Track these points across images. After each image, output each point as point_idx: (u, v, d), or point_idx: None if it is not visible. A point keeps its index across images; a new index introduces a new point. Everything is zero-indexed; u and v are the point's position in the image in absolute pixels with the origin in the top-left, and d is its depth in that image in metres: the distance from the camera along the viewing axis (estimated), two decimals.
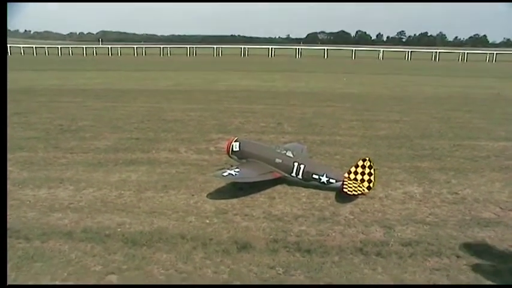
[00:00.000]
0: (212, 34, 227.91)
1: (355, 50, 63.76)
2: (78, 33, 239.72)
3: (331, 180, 6.82)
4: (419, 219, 5.94)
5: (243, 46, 70.12)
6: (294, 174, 7.05)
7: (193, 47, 70.16)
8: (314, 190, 6.93)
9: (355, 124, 12.67)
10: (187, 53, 66.83)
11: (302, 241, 5.22)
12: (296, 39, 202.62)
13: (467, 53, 60.95)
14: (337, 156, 9.14)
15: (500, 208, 6.43)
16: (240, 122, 12.87)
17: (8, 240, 5.10)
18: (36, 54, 64.33)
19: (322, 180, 6.86)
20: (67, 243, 5.09)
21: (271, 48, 68.26)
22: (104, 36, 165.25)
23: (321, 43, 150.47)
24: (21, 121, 12.50)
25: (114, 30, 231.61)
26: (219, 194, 6.78)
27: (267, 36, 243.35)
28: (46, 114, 13.81)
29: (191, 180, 7.46)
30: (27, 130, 11.35)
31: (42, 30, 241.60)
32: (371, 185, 6.64)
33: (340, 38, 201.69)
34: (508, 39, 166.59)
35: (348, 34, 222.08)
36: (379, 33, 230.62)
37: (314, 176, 6.90)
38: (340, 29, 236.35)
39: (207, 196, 6.70)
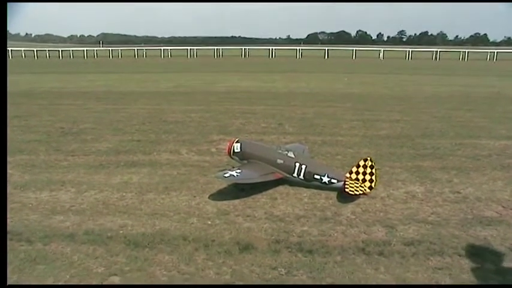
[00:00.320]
0: (212, 35, 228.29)
1: (355, 50, 63.69)
2: (79, 35, 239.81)
3: (332, 181, 6.82)
4: (422, 219, 5.93)
5: (243, 47, 70.12)
6: (295, 174, 7.05)
7: (193, 49, 70.10)
8: (316, 190, 6.93)
9: (356, 124, 12.66)
10: (187, 54, 66.84)
11: (304, 241, 5.22)
12: (296, 39, 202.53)
13: (467, 52, 60.81)
14: (339, 157, 9.14)
15: (503, 207, 6.42)
16: (241, 123, 12.88)
17: (10, 243, 5.12)
18: (37, 57, 64.36)
19: (323, 181, 6.86)
20: (69, 245, 5.10)
21: (272, 49, 68.24)
22: (105, 39, 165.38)
23: (321, 43, 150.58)
24: (22, 124, 12.51)
25: (114, 33, 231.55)
26: (221, 195, 6.79)
27: (267, 37, 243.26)
28: (47, 117, 13.83)
29: (193, 182, 7.46)
30: (28, 133, 11.36)
31: (43, 33, 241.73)
32: (372, 184, 6.63)
33: (341, 38, 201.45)
34: (509, 38, 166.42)
35: (349, 34, 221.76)
36: (380, 33, 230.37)
37: (316, 176, 6.90)
38: (340, 29, 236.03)
39: (208, 197, 6.71)
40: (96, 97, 18.82)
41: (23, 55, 65.85)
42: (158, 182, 7.45)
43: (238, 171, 6.82)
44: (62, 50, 68.11)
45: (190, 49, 68.43)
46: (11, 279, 4.35)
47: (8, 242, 5.11)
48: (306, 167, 6.99)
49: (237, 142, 7.73)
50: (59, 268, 4.59)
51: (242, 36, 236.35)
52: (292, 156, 7.20)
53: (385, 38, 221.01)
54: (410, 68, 40.96)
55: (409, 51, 61.48)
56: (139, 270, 4.57)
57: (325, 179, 6.84)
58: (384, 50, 63.38)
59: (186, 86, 23.47)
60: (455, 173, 8.05)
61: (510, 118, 13.79)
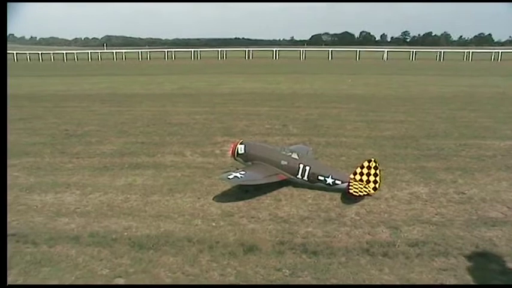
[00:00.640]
0: (216, 37, 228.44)
1: (359, 51, 63.56)
2: (83, 38, 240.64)
3: (336, 182, 6.81)
4: (426, 220, 5.92)
5: (247, 49, 70.08)
6: (299, 176, 7.05)
7: (197, 51, 70.10)
8: (320, 192, 6.93)
9: (360, 125, 12.65)
10: (191, 56, 66.91)
11: (308, 243, 5.22)
12: (300, 41, 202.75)
13: (472, 52, 60.56)
14: (343, 158, 9.13)
15: (508, 207, 6.40)
16: (245, 124, 12.89)
17: (16, 245, 5.15)
18: (41, 60, 64.72)
19: (327, 182, 6.86)
20: (74, 247, 5.13)
21: (276, 50, 68.20)
22: (109, 41, 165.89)
23: (325, 44, 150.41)
24: (27, 127, 12.58)
25: (118, 35, 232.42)
26: (225, 196, 6.80)
27: (271, 39, 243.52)
28: (52, 119, 13.90)
29: (197, 184, 7.48)
30: (34, 135, 11.42)
31: (47, 36, 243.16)
32: (377, 185, 6.63)
33: (344, 39, 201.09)
34: None
35: (352, 35, 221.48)
36: (383, 34, 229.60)
37: (320, 177, 6.90)
38: (344, 30, 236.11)
39: (213, 199, 6.72)
40: (101, 99, 18.90)
41: (28, 58, 66.17)
42: (162, 184, 7.47)
43: (243, 172, 6.82)
44: (66, 53, 68.40)
45: (194, 51, 68.50)
46: (18, 282, 4.38)
47: (14, 244, 5.15)
48: (310, 169, 7.00)
49: (241, 144, 7.74)
50: (64, 270, 4.61)
51: (246, 37, 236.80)
52: (296, 157, 7.21)
53: (389, 39, 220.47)
54: (414, 68, 40.86)
55: (413, 51, 61.30)
56: (144, 272, 4.58)
57: (330, 180, 6.84)
58: (387, 51, 63.21)
59: (190, 88, 23.52)
60: (460, 173, 8.02)
61: None
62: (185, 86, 24.58)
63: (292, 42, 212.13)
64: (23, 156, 9.22)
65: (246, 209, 6.33)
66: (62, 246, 5.17)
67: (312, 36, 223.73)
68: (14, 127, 12.03)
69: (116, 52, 70.09)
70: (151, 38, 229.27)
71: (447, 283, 4.39)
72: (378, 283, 4.40)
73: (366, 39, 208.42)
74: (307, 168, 7.00)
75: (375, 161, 6.71)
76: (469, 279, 4.44)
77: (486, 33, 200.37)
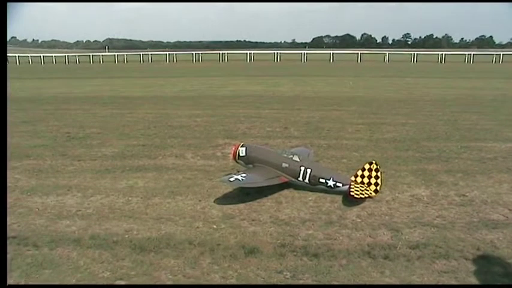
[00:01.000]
0: (218, 40, 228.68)
1: (360, 53, 63.67)
2: (84, 41, 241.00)
3: (338, 184, 6.81)
4: (427, 222, 5.91)
5: (248, 51, 70.20)
6: (300, 178, 7.05)
7: (199, 53, 70.36)
8: (321, 194, 6.92)
9: (361, 127, 12.65)
10: (193, 59, 67.05)
11: (309, 245, 5.22)
12: (302, 43, 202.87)
13: (473, 54, 60.62)
14: (344, 160, 9.13)
15: (509, 210, 6.38)
16: (247, 127, 12.90)
17: (17, 247, 5.16)
18: (43, 62, 64.89)
19: (329, 184, 6.85)
20: (75, 250, 5.13)
21: (277, 53, 68.32)
22: (111, 44, 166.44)
23: (326, 47, 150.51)
24: (28, 129, 12.60)
25: (120, 38, 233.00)
26: (226, 199, 6.80)
27: (272, 41, 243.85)
28: (53, 122, 13.92)
29: (198, 186, 7.48)
30: (35, 138, 11.44)
31: (49, 39, 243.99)
32: (378, 188, 6.63)
33: (346, 41, 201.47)
34: None
35: (354, 37, 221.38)
36: (385, 36, 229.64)
37: (321, 180, 6.90)
38: (345, 33, 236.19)
39: (214, 201, 6.72)
40: (102, 102, 18.93)
41: (30, 61, 66.37)
42: (164, 187, 7.47)
43: (244, 175, 6.82)
44: (68, 56, 68.58)
45: (195, 54, 68.62)
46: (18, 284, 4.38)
47: (15, 247, 5.16)
48: (311, 171, 7.00)
49: (242, 146, 7.75)
50: (65, 273, 4.61)
51: (247, 40, 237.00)
52: (297, 160, 7.21)
53: (390, 41, 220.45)
54: (415, 71, 40.89)
55: (414, 54, 61.32)
56: (145, 274, 4.58)
57: (331, 183, 6.84)
58: (389, 53, 63.29)
59: (192, 91, 23.56)
60: (461, 176, 8.02)
61: None
62: (186, 89, 24.63)
63: (294, 45, 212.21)
64: (24, 159, 9.23)
65: (247, 211, 6.33)
66: (63, 248, 5.16)
67: (314, 39, 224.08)
68: (15, 129, 12.05)
69: (117, 55, 70.33)
70: (152, 41, 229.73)
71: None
72: (379, 286, 4.40)
73: (368, 41, 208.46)
74: (308, 170, 7.00)
75: (376, 163, 6.71)
76: (470, 282, 4.42)
77: (487, 36, 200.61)
